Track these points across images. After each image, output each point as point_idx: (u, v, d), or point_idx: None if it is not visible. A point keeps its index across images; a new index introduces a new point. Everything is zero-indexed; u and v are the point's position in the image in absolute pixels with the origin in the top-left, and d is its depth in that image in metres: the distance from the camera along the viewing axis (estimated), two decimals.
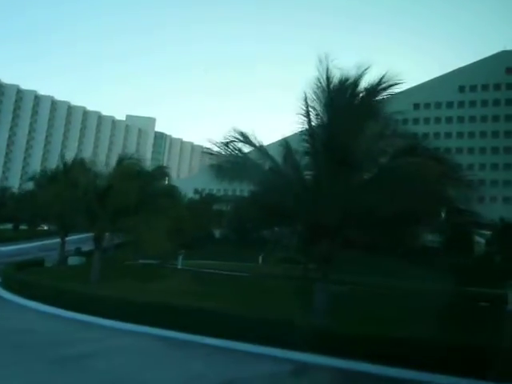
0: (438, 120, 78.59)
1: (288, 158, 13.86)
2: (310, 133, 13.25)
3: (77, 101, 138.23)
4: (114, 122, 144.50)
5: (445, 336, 10.57)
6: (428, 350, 9.97)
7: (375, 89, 12.97)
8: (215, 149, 12.80)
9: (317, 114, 13.08)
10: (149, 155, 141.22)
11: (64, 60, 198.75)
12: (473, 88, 77.01)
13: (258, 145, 13.08)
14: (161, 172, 25.85)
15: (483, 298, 21.37)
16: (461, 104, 77.19)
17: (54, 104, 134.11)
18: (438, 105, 78.70)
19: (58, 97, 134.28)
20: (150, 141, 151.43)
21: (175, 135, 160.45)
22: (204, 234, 54.39)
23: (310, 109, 13.14)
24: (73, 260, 30.26)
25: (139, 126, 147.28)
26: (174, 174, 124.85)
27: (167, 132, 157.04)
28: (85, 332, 13.46)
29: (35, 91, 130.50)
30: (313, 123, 13.27)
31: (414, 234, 14.95)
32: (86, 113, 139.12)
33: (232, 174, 12.93)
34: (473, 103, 76.73)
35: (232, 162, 12.92)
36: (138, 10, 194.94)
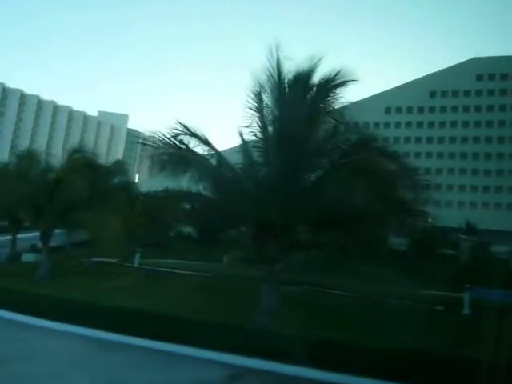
0: (408, 124, 79.30)
1: (244, 154, 13.28)
2: (262, 128, 12.67)
3: (47, 95, 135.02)
4: (85, 117, 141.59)
5: (382, 340, 10.16)
6: (362, 355, 9.56)
7: (329, 83, 12.46)
8: (157, 141, 12.07)
9: (268, 108, 12.52)
10: (121, 152, 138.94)
11: (34, 53, 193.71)
12: (444, 94, 77.95)
13: (203, 138, 12.41)
14: (118, 167, 24.89)
15: (441, 301, 20.95)
16: (431, 109, 78.04)
17: (24, 97, 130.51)
18: (410, 109, 79.40)
19: (28, 90, 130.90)
20: (123, 137, 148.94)
21: (148, 133, 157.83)
22: (173, 232, 53.30)
23: (263, 102, 12.58)
24: (27, 257, 28.96)
25: (112, 123, 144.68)
26: (146, 171, 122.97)
27: (140, 129, 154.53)
28: (13, 332, 12.59)
29: (3, 83, 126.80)
30: (265, 119, 12.70)
31: (371, 235, 14.55)
32: (56, 107, 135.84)
33: (175, 168, 12.21)
34: (443, 109, 77.65)
35: (175, 155, 12.18)
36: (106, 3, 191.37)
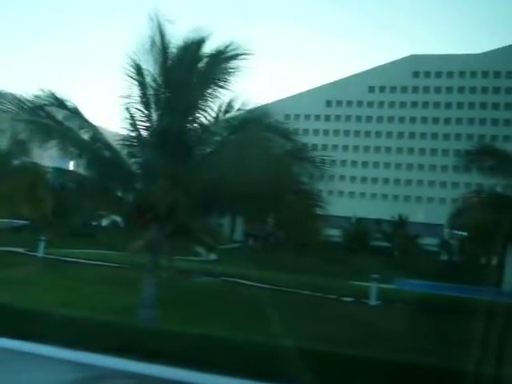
0: (348, 118, 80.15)
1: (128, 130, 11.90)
2: (144, 100, 11.39)
3: None
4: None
5: (265, 335, 9.23)
6: (234, 351, 8.58)
7: (221, 54, 11.36)
8: (9, 105, 10.48)
9: (150, 77, 11.25)
10: None
11: None
12: (382, 89, 79.26)
13: (73, 109, 10.97)
14: (18, 148, 22.76)
15: (358, 292, 20.13)
16: (370, 104, 79.16)
17: None
18: (349, 103, 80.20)
19: None
20: None
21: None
22: (103, 220, 51.02)
23: (144, 72, 11.29)
24: None
25: None
26: None
27: None
28: None
29: None
30: (147, 90, 11.43)
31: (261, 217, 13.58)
32: None
33: (32, 138, 10.70)
34: (381, 104, 78.98)
35: (33, 123, 10.62)
36: None
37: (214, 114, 11.85)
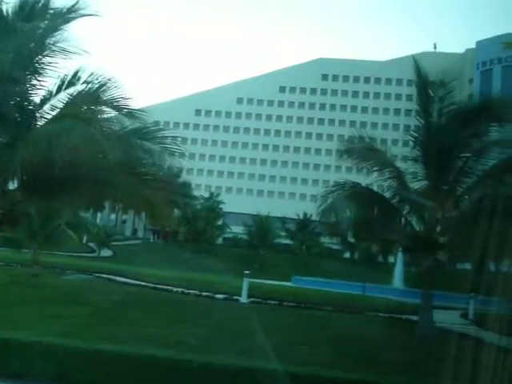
0: (258, 116, 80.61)
1: None
2: None
3: None
4: None
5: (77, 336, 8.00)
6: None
7: (65, 14, 9.94)
8: None
9: None
10: None
11: None
12: (292, 90, 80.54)
13: None
14: None
15: (233, 289, 18.82)
16: (280, 103, 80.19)
17: None
18: (261, 102, 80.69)
19: None
20: None
21: None
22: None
23: None
24: None
25: None
26: None
27: None
28: None
29: None
30: None
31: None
32: None
33: None
34: (291, 104, 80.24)
35: None
36: None
37: (55, 86, 10.39)
